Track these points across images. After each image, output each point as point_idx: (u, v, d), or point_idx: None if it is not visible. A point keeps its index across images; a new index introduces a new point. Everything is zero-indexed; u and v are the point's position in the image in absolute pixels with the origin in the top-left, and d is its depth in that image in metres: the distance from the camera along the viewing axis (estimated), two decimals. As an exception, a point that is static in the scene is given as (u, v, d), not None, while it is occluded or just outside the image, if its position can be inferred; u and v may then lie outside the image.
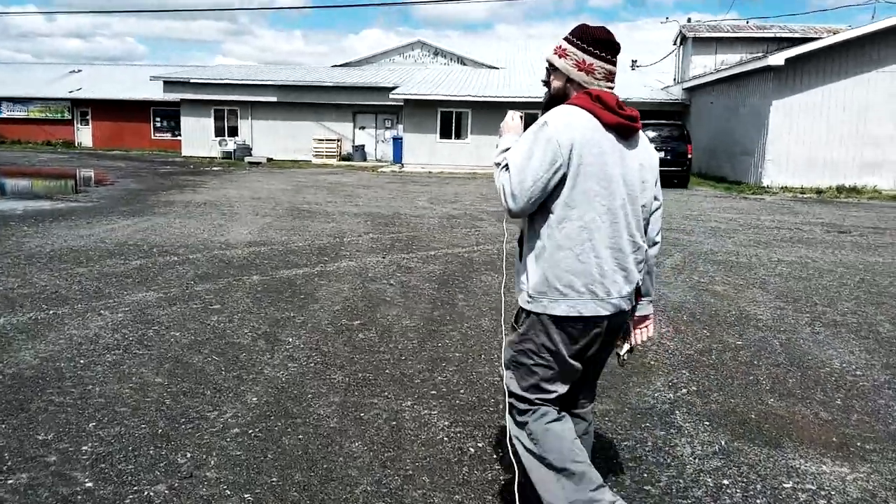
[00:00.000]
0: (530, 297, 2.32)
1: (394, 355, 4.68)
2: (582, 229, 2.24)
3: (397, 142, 29.26)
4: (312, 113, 30.53)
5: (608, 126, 2.26)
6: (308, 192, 16.50)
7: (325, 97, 29.85)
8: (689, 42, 26.66)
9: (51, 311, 5.54)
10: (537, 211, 2.28)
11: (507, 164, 2.27)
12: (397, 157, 29.09)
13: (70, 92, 38.29)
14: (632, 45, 39.64)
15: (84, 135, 38.57)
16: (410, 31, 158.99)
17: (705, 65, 25.45)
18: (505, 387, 2.46)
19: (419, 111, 26.70)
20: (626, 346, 2.56)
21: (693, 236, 10.58)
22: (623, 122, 2.29)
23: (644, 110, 24.76)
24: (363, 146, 30.39)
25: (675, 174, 19.65)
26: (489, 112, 25.23)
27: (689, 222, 12.33)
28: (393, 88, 28.15)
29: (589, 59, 2.33)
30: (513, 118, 2.51)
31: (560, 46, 2.40)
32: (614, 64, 2.38)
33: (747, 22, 28.24)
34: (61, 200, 13.97)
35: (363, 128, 30.75)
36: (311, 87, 29.85)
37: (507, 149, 2.35)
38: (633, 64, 33.45)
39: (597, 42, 2.34)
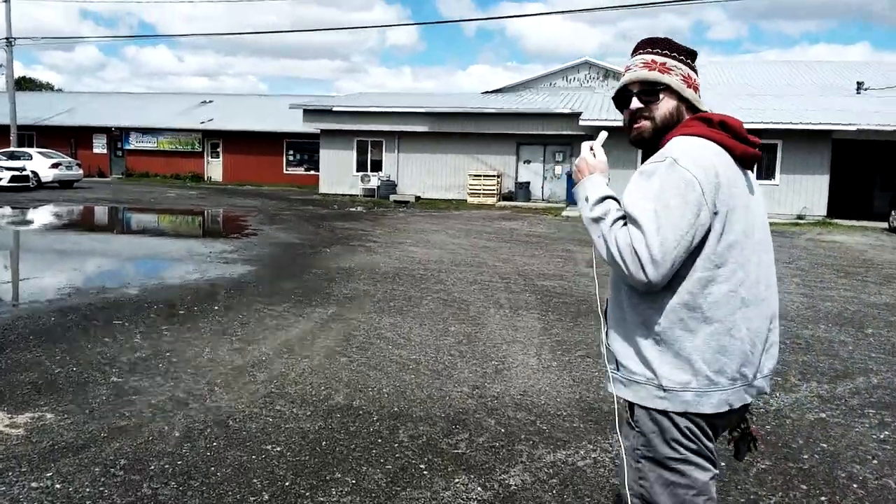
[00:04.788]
0: (665, 389, 1.70)
1: None
2: (732, 294, 1.69)
3: (572, 179, 24.29)
4: (466, 145, 26.12)
5: (737, 159, 1.76)
6: (517, 251, 11.73)
7: (484, 126, 25.36)
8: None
9: None
10: None
11: (619, 218, 1.70)
12: (571, 198, 24.14)
13: (201, 123, 35.81)
14: (845, 67, 33.19)
15: (214, 168, 35.93)
16: (518, 66, 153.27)
17: None
18: None
19: (613, 142, 21.63)
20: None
21: None
22: (753, 153, 1.78)
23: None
24: (528, 183, 25.62)
25: None
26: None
27: None
28: (572, 115, 23.34)
29: (693, 74, 1.85)
30: (594, 153, 1.88)
31: (654, 61, 1.83)
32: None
33: None
34: (194, 265, 9.76)
35: (528, 162, 25.97)
36: (469, 115, 25.44)
37: (607, 197, 1.76)
38: (860, 87, 27.15)
39: (690, 53, 1.88)
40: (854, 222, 19.65)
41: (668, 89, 1.82)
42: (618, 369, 1.80)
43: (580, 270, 9.92)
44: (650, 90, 1.82)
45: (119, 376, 4.65)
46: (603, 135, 1.94)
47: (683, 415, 1.71)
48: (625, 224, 1.68)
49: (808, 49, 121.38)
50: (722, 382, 1.69)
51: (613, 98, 1.93)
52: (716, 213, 1.66)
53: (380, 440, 3.67)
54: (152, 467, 3.29)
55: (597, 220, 1.73)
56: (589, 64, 31.03)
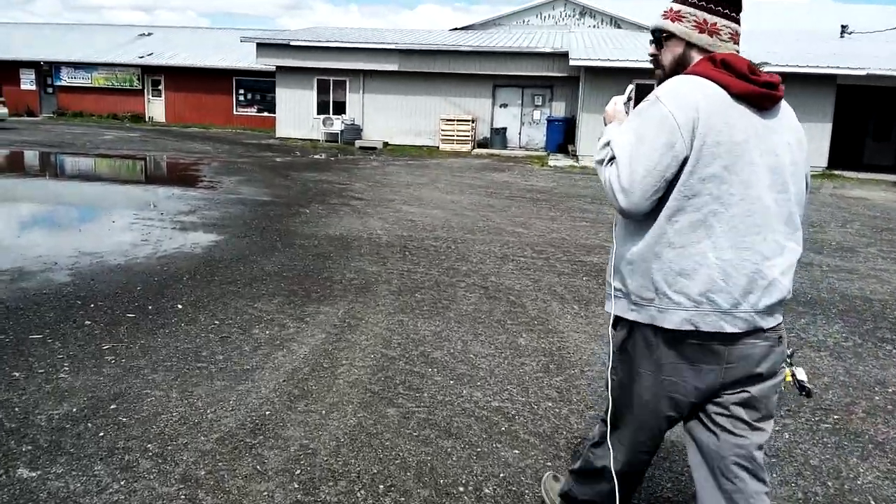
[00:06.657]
0: (634, 303, 1.85)
1: None
2: (699, 224, 1.73)
3: (553, 125, 22.50)
4: (438, 86, 23.90)
5: (738, 97, 1.75)
6: (529, 212, 9.94)
7: (458, 66, 23.14)
8: None
9: None
10: None
11: (612, 157, 1.80)
12: (551, 145, 22.40)
13: (140, 57, 32.45)
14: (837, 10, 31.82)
15: (156, 108, 32.77)
16: (465, 6, 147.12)
17: None
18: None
19: (604, 84, 19.86)
20: (800, 372, 1.88)
21: None
22: (757, 91, 1.75)
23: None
24: (504, 129, 23.65)
25: None
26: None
27: None
28: (556, 55, 21.42)
29: (711, 19, 1.87)
30: (615, 103, 2.02)
31: (671, 10, 1.93)
32: (739, 23, 1.90)
33: None
34: (142, 232, 7.70)
35: (504, 105, 23.94)
36: (443, 52, 23.10)
37: (610, 141, 1.88)
38: (844, 30, 25.83)
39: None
40: (857, 174, 18.40)
41: (673, 36, 1.89)
42: (609, 288, 1.92)
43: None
44: (658, 38, 1.93)
45: (31, 465, 2.75)
46: (629, 88, 2.10)
47: (653, 329, 1.81)
48: (612, 161, 1.78)
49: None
50: (683, 303, 1.74)
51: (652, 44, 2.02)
52: (691, 148, 1.69)
53: None
54: None
55: (600, 162, 1.83)
56: (566, 0, 28.87)
